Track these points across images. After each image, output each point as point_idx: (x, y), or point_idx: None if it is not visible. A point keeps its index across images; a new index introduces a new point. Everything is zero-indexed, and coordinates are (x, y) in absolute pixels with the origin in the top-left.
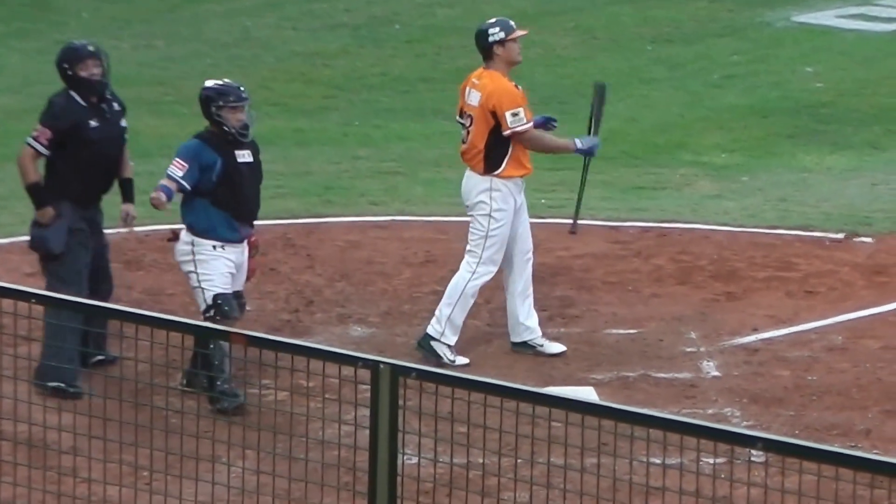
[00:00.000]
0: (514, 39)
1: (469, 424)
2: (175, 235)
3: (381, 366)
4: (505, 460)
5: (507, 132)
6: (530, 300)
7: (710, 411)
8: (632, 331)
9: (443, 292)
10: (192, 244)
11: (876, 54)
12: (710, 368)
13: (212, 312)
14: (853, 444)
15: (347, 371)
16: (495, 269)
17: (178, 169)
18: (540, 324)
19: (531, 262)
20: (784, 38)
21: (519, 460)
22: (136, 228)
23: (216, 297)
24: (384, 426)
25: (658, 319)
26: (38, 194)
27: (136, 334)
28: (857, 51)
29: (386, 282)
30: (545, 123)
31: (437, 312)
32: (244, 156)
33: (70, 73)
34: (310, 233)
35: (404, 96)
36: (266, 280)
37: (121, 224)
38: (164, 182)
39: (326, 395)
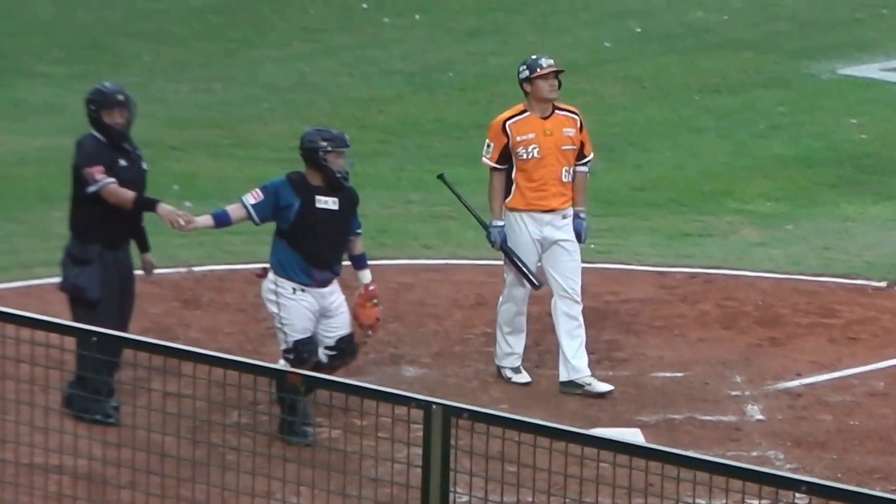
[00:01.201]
0: (541, 76)
1: (519, 464)
2: (264, 272)
3: (434, 406)
4: (554, 500)
5: None
6: (580, 340)
7: (754, 454)
8: (678, 374)
9: (492, 334)
10: (276, 284)
11: None
12: (755, 412)
13: (291, 356)
14: (895, 489)
15: (401, 411)
16: (518, 298)
17: (252, 197)
18: (589, 366)
19: (574, 302)
20: (829, 89)
21: (567, 500)
22: (195, 268)
23: (297, 343)
24: (436, 465)
25: (703, 363)
26: (144, 202)
27: (194, 372)
28: None
29: (438, 323)
30: None
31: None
32: (327, 202)
33: (95, 115)
34: None
35: (457, 142)
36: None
37: (145, 273)
38: (231, 207)
39: (379, 435)
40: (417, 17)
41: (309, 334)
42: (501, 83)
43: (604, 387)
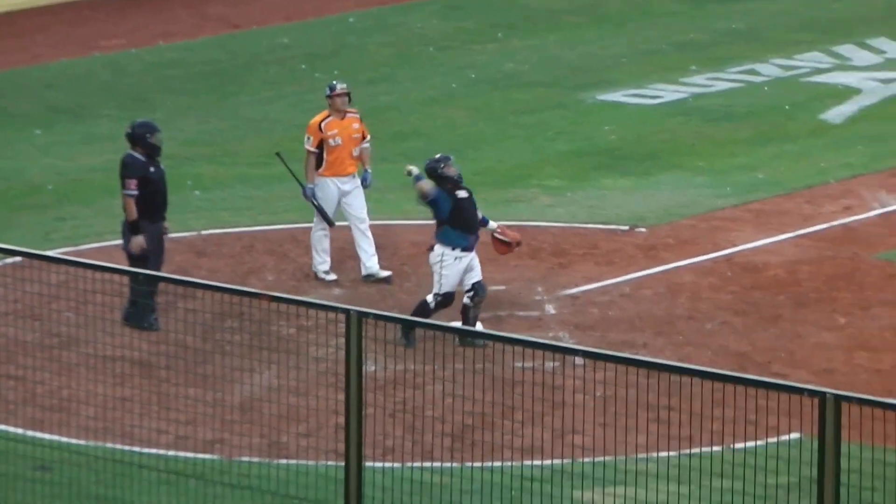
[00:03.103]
0: (336, 95)
1: (404, 346)
2: (431, 247)
3: (352, 311)
4: (427, 366)
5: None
6: (371, 248)
7: (550, 334)
8: (502, 287)
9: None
10: (442, 254)
11: (647, 118)
12: (550, 309)
13: (440, 299)
14: (636, 352)
15: (332, 315)
16: (324, 229)
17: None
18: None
19: (364, 222)
20: (592, 109)
21: (435, 366)
22: (203, 232)
23: (446, 294)
24: (354, 348)
25: (518, 280)
26: (136, 228)
27: (203, 296)
28: (635, 116)
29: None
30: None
31: None
32: (462, 193)
33: (140, 138)
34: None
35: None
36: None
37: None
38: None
39: (321, 330)
40: (336, 72)
41: (453, 290)
42: (389, 112)
43: (385, 273)
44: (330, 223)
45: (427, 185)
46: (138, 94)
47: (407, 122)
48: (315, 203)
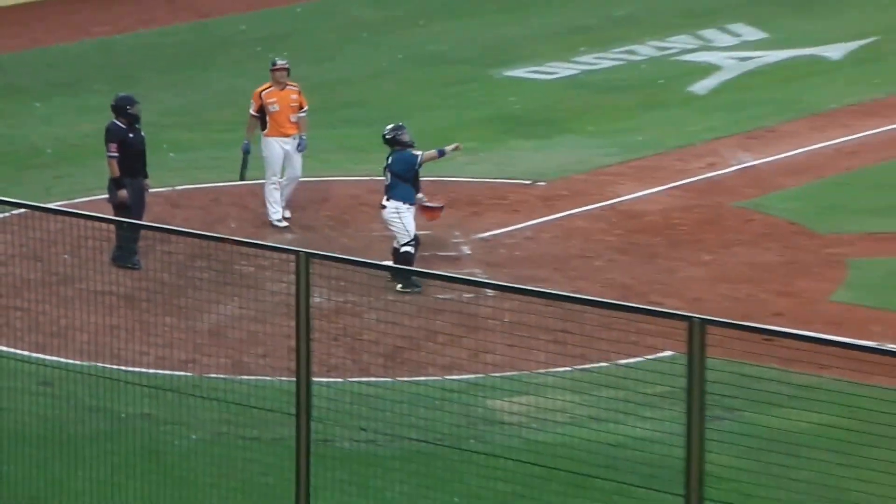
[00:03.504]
0: (277, 70)
1: (346, 282)
2: (383, 205)
3: (301, 253)
4: (364, 297)
5: None
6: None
7: (466, 271)
8: (428, 231)
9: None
10: (397, 208)
11: (546, 91)
12: (466, 250)
13: (412, 244)
14: (539, 285)
15: (285, 257)
16: (273, 184)
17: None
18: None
19: (298, 178)
20: (501, 83)
21: (371, 297)
22: (177, 187)
23: (415, 237)
24: (303, 284)
25: (440, 226)
26: (119, 183)
27: (177, 240)
28: (536, 89)
29: (316, 214)
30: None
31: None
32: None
33: (122, 108)
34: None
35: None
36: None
37: (145, 190)
38: (428, 154)
39: (275, 269)
40: (286, 53)
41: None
42: (333, 86)
43: (284, 224)
44: (241, 175)
45: (428, 153)
46: (123, 71)
47: (348, 95)
48: (242, 155)
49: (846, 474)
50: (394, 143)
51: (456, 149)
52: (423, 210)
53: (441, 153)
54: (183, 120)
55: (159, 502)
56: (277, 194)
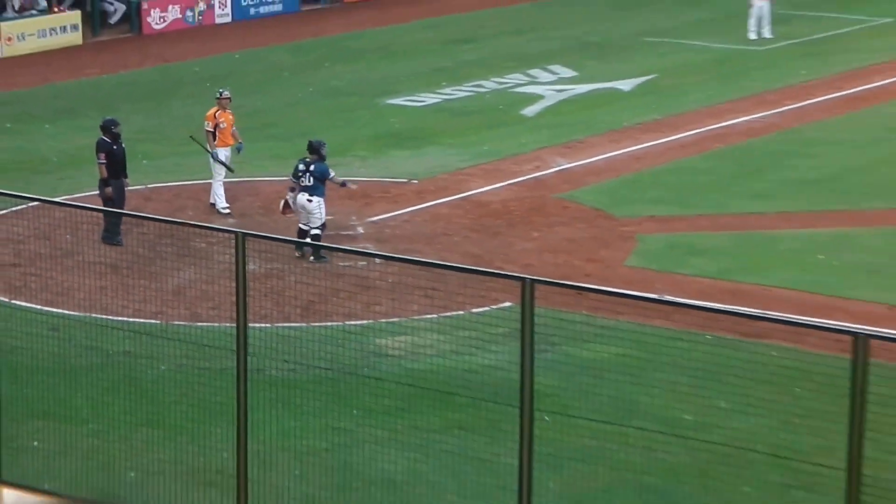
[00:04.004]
0: (222, 98)
1: (272, 254)
2: (309, 199)
3: (239, 233)
4: (286, 265)
5: None
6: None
7: (359, 246)
8: (330, 217)
9: (274, 206)
10: (319, 203)
11: (417, 114)
12: (360, 230)
13: (322, 229)
14: (414, 255)
15: (228, 237)
16: (221, 178)
17: (331, 172)
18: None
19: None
20: (385, 109)
21: (291, 265)
22: (149, 185)
23: (324, 223)
24: (241, 261)
25: (340, 213)
26: (106, 183)
27: (150, 227)
28: (411, 113)
29: (250, 206)
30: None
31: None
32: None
33: (109, 127)
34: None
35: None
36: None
37: (126, 185)
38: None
39: (221, 244)
40: (228, 87)
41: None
42: (262, 112)
43: (227, 211)
44: (231, 170)
45: (338, 177)
46: (108, 102)
47: (272, 118)
48: (220, 160)
49: (636, 391)
50: (316, 152)
51: (352, 187)
52: (285, 207)
53: (343, 184)
54: (152, 136)
55: (137, 415)
56: (222, 189)
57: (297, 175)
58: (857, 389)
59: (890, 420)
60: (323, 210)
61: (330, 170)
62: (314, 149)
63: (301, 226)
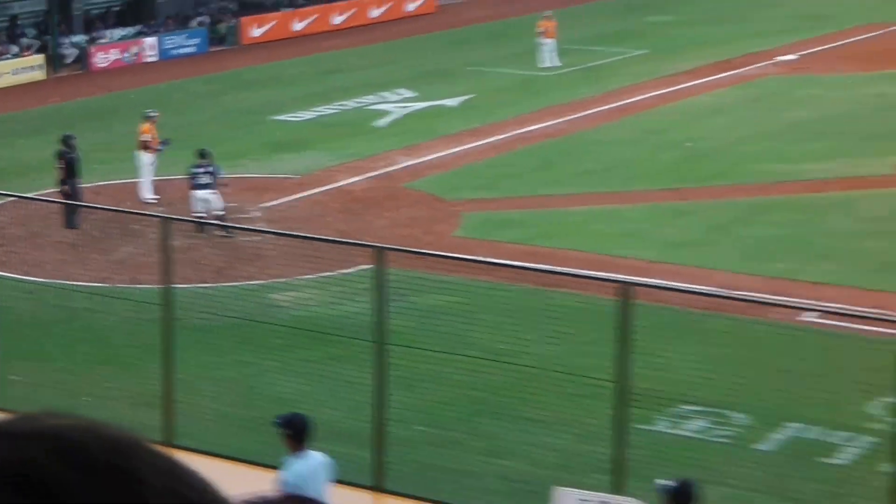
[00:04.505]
0: (152, 117)
1: (190, 233)
2: (218, 196)
3: (163, 217)
4: (199, 241)
5: None
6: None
7: (256, 226)
8: (235, 204)
9: None
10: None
11: (298, 128)
12: (257, 213)
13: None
14: (300, 233)
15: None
16: (148, 178)
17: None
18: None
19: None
20: (273, 123)
21: (205, 240)
22: (99, 184)
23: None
24: (165, 235)
25: (242, 201)
26: (65, 182)
27: (98, 213)
28: (293, 127)
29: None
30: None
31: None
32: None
33: (67, 141)
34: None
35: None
36: None
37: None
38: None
39: (152, 227)
40: (158, 109)
41: None
42: (185, 126)
43: (155, 201)
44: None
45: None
46: (67, 121)
47: (191, 132)
48: (162, 149)
49: (465, 328)
50: (208, 157)
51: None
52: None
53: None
54: (100, 147)
55: (96, 357)
56: (150, 184)
57: (195, 176)
58: (624, 322)
59: (648, 345)
60: (220, 198)
61: (221, 169)
62: (207, 154)
63: (202, 214)
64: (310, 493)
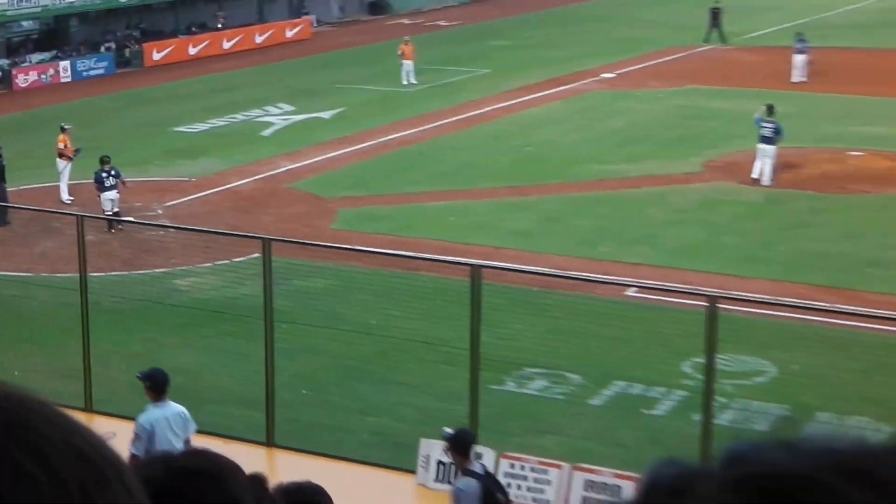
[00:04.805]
0: (68, 130)
1: (102, 228)
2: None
3: (79, 216)
4: (112, 235)
5: None
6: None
7: (160, 222)
8: (138, 203)
9: None
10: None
11: (195, 137)
12: (160, 211)
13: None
14: (198, 227)
15: (73, 219)
16: (66, 181)
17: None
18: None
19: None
20: (174, 134)
21: (116, 235)
22: (22, 187)
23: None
24: (81, 230)
25: (147, 200)
26: None
27: (30, 215)
28: (189, 136)
29: None
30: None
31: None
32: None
33: None
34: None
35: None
36: None
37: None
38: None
39: (70, 224)
40: (73, 123)
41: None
42: (100, 137)
43: (70, 201)
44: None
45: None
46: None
47: (104, 142)
48: (75, 158)
49: (341, 307)
50: (108, 162)
51: (129, 184)
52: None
53: (124, 182)
54: (23, 156)
55: (21, 335)
56: (67, 187)
57: (101, 180)
58: (474, 299)
59: (496, 318)
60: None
61: (122, 173)
62: (108, 160)
63: (107, 213)
64: (162, 435)
